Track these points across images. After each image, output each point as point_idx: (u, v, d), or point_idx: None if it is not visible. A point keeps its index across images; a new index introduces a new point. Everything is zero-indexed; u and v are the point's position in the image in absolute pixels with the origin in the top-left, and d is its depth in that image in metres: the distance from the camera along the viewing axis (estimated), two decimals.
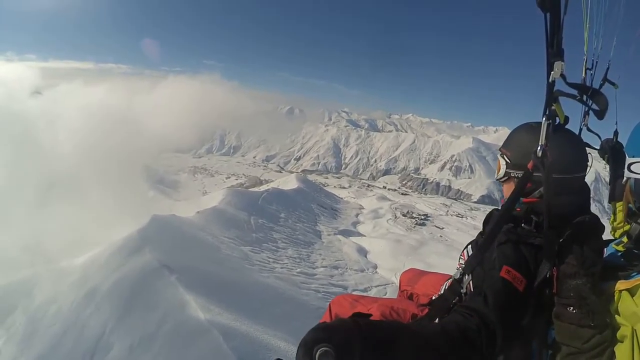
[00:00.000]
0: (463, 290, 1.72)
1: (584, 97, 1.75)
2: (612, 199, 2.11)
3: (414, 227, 19.47)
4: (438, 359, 1.22)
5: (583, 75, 1.85)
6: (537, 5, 1.41)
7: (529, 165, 1.64)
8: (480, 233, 2.03)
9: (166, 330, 4.57)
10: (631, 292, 1.42)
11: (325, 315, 2.67)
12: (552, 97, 1.59)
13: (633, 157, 1.58)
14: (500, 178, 1.99)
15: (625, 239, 1.69)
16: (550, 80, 1.52)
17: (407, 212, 23.09)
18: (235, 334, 4.42)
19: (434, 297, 2.28)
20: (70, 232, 12.49)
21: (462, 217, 26.17)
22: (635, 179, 1.60)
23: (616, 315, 1.46)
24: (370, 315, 1.23)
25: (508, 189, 1.97)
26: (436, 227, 20.43)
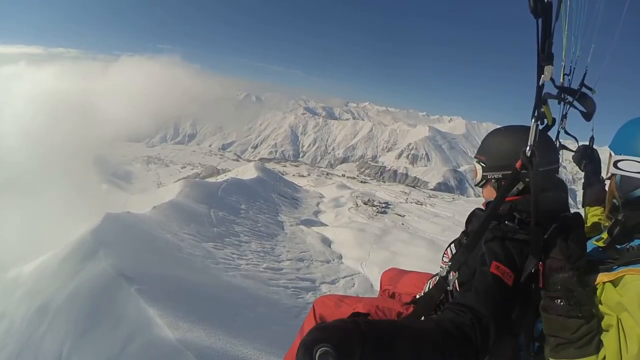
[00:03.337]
0: (449, 288, 1.79)
1: (572, 100, 1.87)
2: (586, 204, 2.27)
3: (376, 215, 19.38)
4: (437, 356, 1.23)
5: (561, 80, 1.92)
6: (530, 11, 1.45)
7: (517, 165, 1.75)
8: (464, 232, 2.17)
9: (131, 352, 4.00)
10: (614, 283, 1.53)
11: (309, 317, 2.58)
12: (541, 99, 1.65)
13: (620, 154, 1.73)
14: (479, 183, 2.15)
15: (605, 235, 1.77)
16: (540, 83, 1.58)
17: (368, 200, 23.06)
18: (211, 354, 3.98)
19: (417, 296, 2.38)
20: (16, 234, 11.59)
21: (421, 205, 26.43)
22: (622, 176, 1.74)
23: (600, 306, 1.56)
24: (369, 314, 1.38)
25: (488, 192, 2.14)
26: (397, 214, 20.45)
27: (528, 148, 1.68)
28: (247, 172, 23.80)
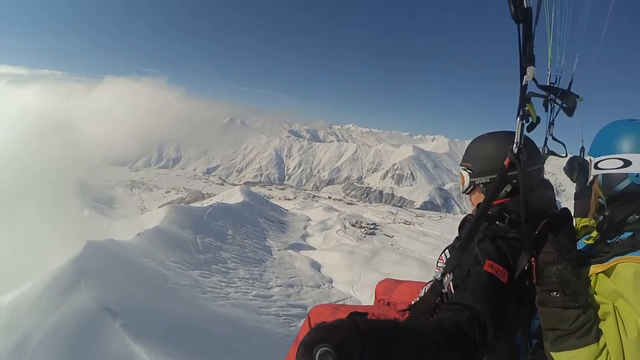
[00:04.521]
0: (444, 290, 1.80)
1: (555, 97, 1.94)
2: (577, 215, 2.30)
3: (364, 236, 19.30)
4: (436, 354, 1.23)
5: (547, 83, 1.92)
6: (511, 17, 1.55)
7: (506, 162, 1.80)
8: (457, 238, 2.19)
9: None
10: (607, 273, 1.61)
11: (304, 327, 2.56)
12: (525, 98, 1.73)
13: (598, 156, 1.90)
14: (466, 190, 2.17)
15: (594, 233, 1.94)
16: (523, 83, 1.67)
17: (356, 222, 23.00)
18: None
19: (413, 302, 2.33)
20: None
21: (409, 224, 26.45)
22: (603, 174, 1.89)
23: (595, 296, 1.61)
24: (367, 314, 1.26)
25: (476, 198, 2.16)
26: (386, 235, 20.41)
27: (515, 146, 1.77)
28: (233, 196, 23.58)
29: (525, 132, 1.83)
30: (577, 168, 2.30)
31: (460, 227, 2.18)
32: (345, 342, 0.98)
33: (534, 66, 1.63)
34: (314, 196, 48.64)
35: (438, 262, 2.27)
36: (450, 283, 1.82)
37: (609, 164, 1.85)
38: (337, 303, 2.74)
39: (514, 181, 1.92)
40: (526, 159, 1.78)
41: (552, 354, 1.61)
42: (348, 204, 42.99)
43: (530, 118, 1.83)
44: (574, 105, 1.87)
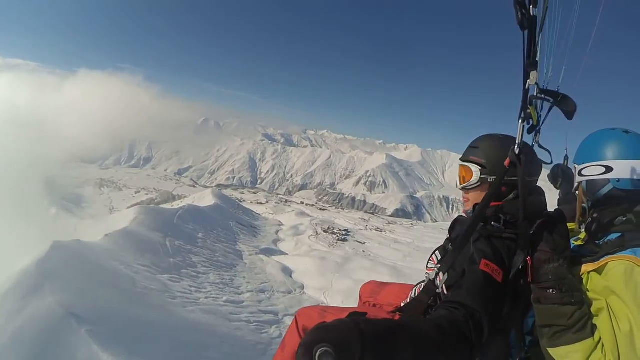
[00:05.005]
0: (439, 290, 1.83)
1: (555, 101, 1.98)
2: None
3: (337, 243, 19.29)
4: (435, 352, 1.23)
5: (536, 94, 1.97)
6: (517, 23, 1.61)
7: (506, 163, 1.87)
8: (447, 239, 2.25)
9: None
10: (598, 271, 1.72)
11: (291, 329, 2.55)
12: (527, 101, 1.79)
13: (582, 163, 2.05)
14: (473, 185, 2.16)
15: (582, 235, 2.08)
16: (526, 87, 1.74)
17: (328, 227, 22.99)
18: None
19: (402, 304, 2.35)
20: None
21: (381, 231, 26.59)
22: (587, 181, 2.03)
23: (588, 293, 1.71)
24: (366, 313, 1.28)
25: (478, 196, 2.15)
26: (358, 242, 20.45)
27: (516, 146, 1.83)
28: (205, 198, 23.28)
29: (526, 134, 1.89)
30: (561, 175, 2.43)
31: (451, 229, 2.25)
32: (345, 342, 0.99)
33: (537, 71, 1.71)
34: (286, 201, 48.48)
35: (428, 263, 2.30)
36: (444, 284, 1.84)
37: (592, 171, 1.99)
38: (326, 305, 2.76)
39: (511, 179, 1.95)
40: (527, 163, 1.85)
41: (550, 349, 1.68)
42: (320, 209, 43.00)
43: (531, 121, 1.90)
44: (574, 109, 1.94)
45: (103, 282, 5.86)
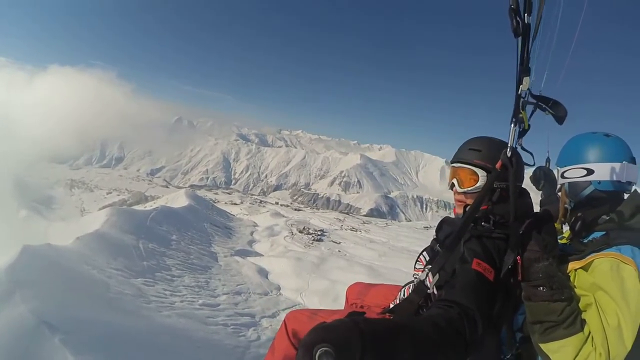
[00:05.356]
0: (430, 290, 1.83)
1: (547, 106, 2.02)
2: None
3: (312, 243, 19.26)
4: (433, 350, 1.24)
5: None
6: (512, 31, 1.68)
7: (498, 165, 1.95)
8: (434, 239, 2.27)
9: None
10: (585, 268, 1.83)
11: (280, 333, 2.55)
12: (519, 106, 1.86)
13: (565, 166, 2.18)
14: (476, 189, 2.16)
15: (566, 233, 2.23)
16: (519, 92, 1.81)
17: (304, 228, 22.98)
18: None
19: (391, 305, 2.35)
20: None
21: (356, 231, 26.72)
22: (569, 183, 2.17)
23: (576, 289, 1.79)
24: (364, 312, 1.35)
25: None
26: (334, 242, 20.49)
27: (508, 149, 1.92)
28: (178, 199, 22.90)
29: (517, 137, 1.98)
30: (543, 177, 2.52)
31: (438, 229, 2.29)
32: (345, 342, 0.99)
33: (530, 77, 1.77)
34: (261, 201, 48.20)
35: (416, 264, 2.33)
36: (435, 284, 1.85)
37: (574, 173, 2.12)
38: (315, 308, 2.74)
39: (499, 185, 2.06)
40: (518, 166, 1.96)
41: (542, 345, 1.75)
42: (295, 210, 42.93)
43: (522, 125, 1.96)
44: (564, 114, 1.99)
45: (76, 287, 5.65)
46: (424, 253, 2.30)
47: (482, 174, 2.15)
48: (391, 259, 16.93)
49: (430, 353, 1.22)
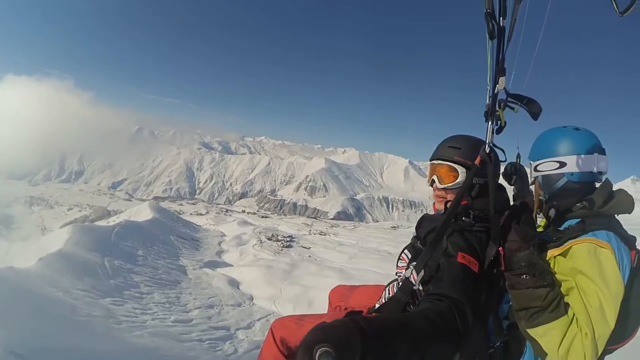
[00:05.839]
0: (415, 287, 1.83)
1: (522, 104, 2.08)
2: None
3: (282, 250, 19.23)
4: (430, 344, 1.25)
5: (487, 101, 2.06)
6: (487, 34, 1.76)
7: (477, 161, 1.99)
8: (415, 237, 2.29)
9: None
10: (563, 254, 1.90)
11: (268, 342, 2.44)
12: (495, 104, 1.94)
13: (537, 160, 2.26)
14: (456, 186, 2.19)
15: (542, 222, 2.32)
16: (495, 91, 1.89)
17: (272, 235, 22.90)
18: None
19: (377, 305, 2.31)
20: None
21: (325, 235, 26.84)
22: (542, 175, 2.25)
23: (557, 275, 1.87)
24: (362, 311, 1.39)
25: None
26: (303, 247, 20.52)
27: (487, 145, 1.98)
28: (142, 212, 22.35)
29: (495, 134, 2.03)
30: (514, 172, 2.57)
31: (418, 226, 2.30)
32: (345, 342, 0.99)
33: (505, 77, 1.84)
34: (227, 210, 47.79)
35: (399, 262, 2.33)
36: (420, 280, 1.85)
37: (547, 166, 2.21)
38: (301, 314, 2.68)
39: (478, 181, 2.10)
40: (495, 162, 2.04)
41: (529, 330, 1.80)
42: (262, 217, 42.79)
43: (499, 122, 2.02)
44: (539, 111, 2.06)
45: (42, 312, 5.33)
46: (406, 251, 2.32)
47: (461, 170, 2.20)
48: (362, 260, 17.08)
49: (427, 346, 1.23)
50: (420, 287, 1.87)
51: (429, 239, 1.93)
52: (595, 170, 2.11)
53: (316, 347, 0.94)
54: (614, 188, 2.12)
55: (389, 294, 2.32)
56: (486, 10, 1.73)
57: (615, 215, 2.05)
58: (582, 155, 2.11)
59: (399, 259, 2.34)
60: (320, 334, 1.00)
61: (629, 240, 1.94)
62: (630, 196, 2.09)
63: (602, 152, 2.14)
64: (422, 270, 1.80)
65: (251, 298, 10.80)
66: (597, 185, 2.15)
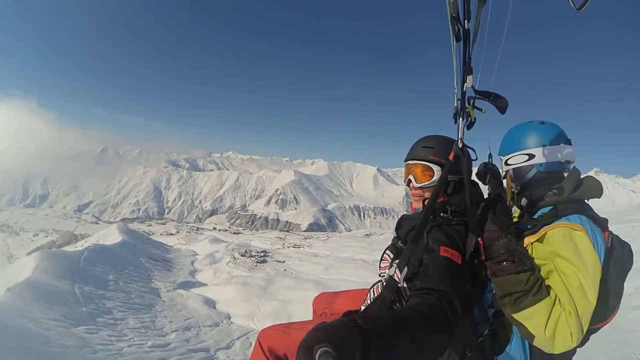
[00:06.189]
0: (400, 284, 1.86)
1: (489, 99, 2.17)
2: None
3: (256, 265, 19.00)
4: (428, 338, 1.27)
5: (455, 104, 2.15)
6: (454, 36, 1.85)
7: (451, 156, 2.10)
8: (396, 237, 2.35)
9: None
10: (540, 240, 1.99)
11: (256, 353, 2.48)
12: (465, 101, 2.04)
13: (507, 154, 2.40)
14: (432, 184, 2.29)
15: (516, 213, 2.42)
16: (464, 89, 1.99)
17: (245, 251, 22.63)
18: None
19: (362, 307, 2.35)
20: None
21: (299, 247, 26.71)
22: (513, 169, 2.39)
23: (535, 260, 1.94)
24: (358, 311, 1.40)
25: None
26: (278, 261, 20.34)
27: (459, 141, 2.07)
28: (110, 235, 21.78)
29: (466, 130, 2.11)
30: (488, 172, 2.61)
31: (398, 227, 2.37)
32: (345, 342, 0.99)
33: (472, 75, 1.94)
34: (197, 229, 46.98)
35: (381, 262, 2.37)
36: (404, 277, 1.88)
37: (517, 160, 2.34)
38: (287, 322, 2.67)
39: (452, 178, 2.21)
40: (468, 156, 2.11)
41: (515, 315, 1.85)
42: (234, 233, 42.27)
43: (469, 118, 2.11)
44: (506, 105, 2.15)
45: (14, 346, 5.05)
46: (387, 252, 2.36)
47: (436, 169, 2.29)
48: (338, 270, 17.04)
49: (424, 339, 1.25)
50: (405, 285, 1.93)
51: (410, 237, 1.95)
52: (562, 159, 2.25)
53: (316, 347, 0.95)
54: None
55: (374, 294, 2.33)
56: (451, 14, 1.83)
57: (586, 201, 2.15)
58: (549, 147, 2.24)
59: (381, 259, 2.39)
60: (320, 334, 1.00)
61: (601, 222, 2.04)
62: (599, 181, 2.20)
63: (567, 142, 2.28)
64: (406, 268, 1.84)
65: (229, 317, 10.59)
66: (566, 174, 2.26)
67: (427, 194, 2.34)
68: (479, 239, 1.93)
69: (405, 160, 2.45)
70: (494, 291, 2.02)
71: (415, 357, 1.19)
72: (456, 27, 1.84)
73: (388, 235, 36.69)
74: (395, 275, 1.88)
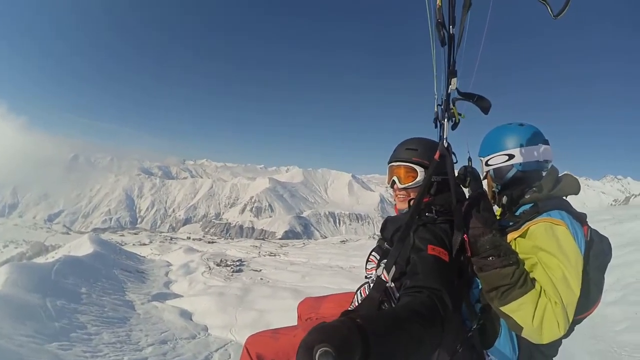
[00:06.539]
0: (389, 284, 1.87)
1: (473, 101, 2.22)
2: None
3: (232, 275, 18.84)
4: (423, 335, 1.27)
5: (435, 109, 2.30)
6: (439, 40, 1.95)
7: (436, 156, 2.15)
8: (382, 238, 2.36)
9: None
10: (522, 236, 2.05)
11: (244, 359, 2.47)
12: (449, 102, 2.13)
13: (487, 155, 2.48)
14: (419, 183, 2.34)
15: (498, 210, 2.47)
16: (449, 91, 2.09)
17: (221, 260, 22.43)
18: None
19: (352, 306, 2.39)
20: None
21: (275, 256, 26.61)
22: (493, 169, 2.46)
23: (519, 255, 1.99)
24: (356, 311, 1.38)
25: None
26: (254, 270, 20.22)
27: (444, 141, 2.15)
28: (82, 246, 21.29)
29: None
30: (468, 174, 2.66)
31: (383, 229, 2.39)
32: (345, 342, 0.99)
33: (457, 78, 2.03)
34: (171, 238, 46.21)
35: (367, 264, 2.40)
36: (391, 277, 1.89)
37: (497, 160, 2.43)
38: (274, 328, 2.67)
39: (434, 178, 2.26)
40: (451, 156, 2.18)
41: (502, 308, 1.91)
42: (209, 242, 41.77)
43: (454, 118, 2.19)
44: (489, 105, 2.21)
45: None
46: (374, 253, 2.38)
47: (420, 170, 2.34)
48: (315, 278, 17.08)
49: (420, 336, 1.27)
50: (393, 285, 1.93)
51: (397, 237, 1.97)
52: (540, 158, 2.34)
53: (316, 347, 0.95)
54: None
55: (361, 296, 2.36)
56: (437, 20, 1.94)
57: (565, 197, 2.25)
58: (528, 147, 2.34)
59: (367, 261, 2.42)
60: (320, 334, 0.99)
61: (580, 217, 2.13)
62: (576, 179, 2.31)
63: (545, 142, 2.38)
64: (393, 267, 1.86)
65: (206, 328, 10.50)
66: (544, 173, 2.37)
67: (412, 194, 2.40)
68: (464, 235, 1.98)
69: (389, 162, 2.51)
70: (480, 287, 2.06)
71: (412, 354, 1.21)
72: (442, 32, 1.93)
73: (364, 241, 36.90)
74: (382, 275, 1.87)
